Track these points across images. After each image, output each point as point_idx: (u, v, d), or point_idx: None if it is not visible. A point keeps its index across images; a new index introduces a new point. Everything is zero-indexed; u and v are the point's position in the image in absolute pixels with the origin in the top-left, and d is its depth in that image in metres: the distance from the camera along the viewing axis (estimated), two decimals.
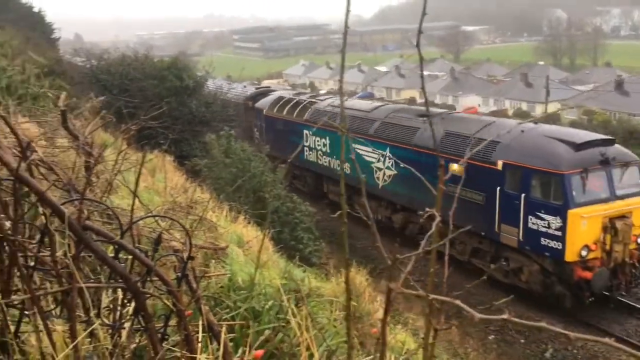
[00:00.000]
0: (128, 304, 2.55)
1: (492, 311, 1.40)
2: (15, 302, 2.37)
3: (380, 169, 19.72)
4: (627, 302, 15.20)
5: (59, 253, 2.33)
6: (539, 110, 60.93)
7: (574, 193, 13.60)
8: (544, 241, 14.04)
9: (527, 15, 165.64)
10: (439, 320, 1.76)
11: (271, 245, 9.69)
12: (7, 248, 2.27)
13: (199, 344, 2.52)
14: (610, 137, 15.41)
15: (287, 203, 14.80)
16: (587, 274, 13.73)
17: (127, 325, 2.49)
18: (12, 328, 2.42)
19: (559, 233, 13.72)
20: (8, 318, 2.38)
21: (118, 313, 2.50)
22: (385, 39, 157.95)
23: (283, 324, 3.85)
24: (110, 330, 2.46)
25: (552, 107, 54.15)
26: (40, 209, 2.38)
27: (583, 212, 13.49)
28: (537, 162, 14.21)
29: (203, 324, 2.61)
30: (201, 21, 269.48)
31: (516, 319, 1.35)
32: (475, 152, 14.04)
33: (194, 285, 2.64)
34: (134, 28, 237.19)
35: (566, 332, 1.28)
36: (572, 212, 13.51)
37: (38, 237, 2.49)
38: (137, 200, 5.81)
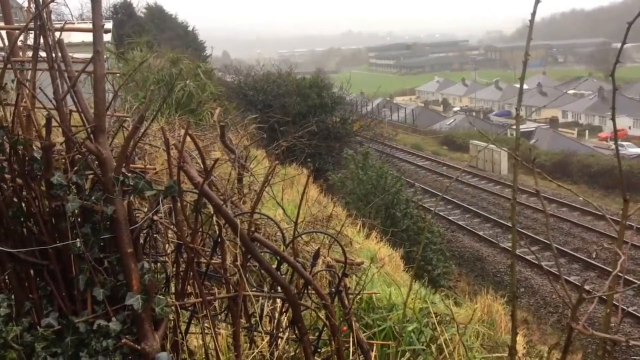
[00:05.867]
0: (285, 314, 2.68)
1: None
2: (188, 305, 2.59)
3: None
4: None
5: (229, 261, 2.52)
6: None
7: None
8: None
9: None
10: None
11: (402, 265, 9.65)
12: (185, 255, 2.49)
13: None
14: None
15: (419, 223, 14.63)
16: None
17: (284, 334, 2.62)
18: (182, 328, 2.64)
19: None
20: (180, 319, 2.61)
21: (276, 322, 2.64)
22: None
23: (424, 347, 3.82)
24: (268, 338, 2.60)
25: None
26: (215, 220, 2.59)
27: None
28: None
29: (353, 340, 2.67)
30: (339, 39, 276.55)
31: None
32: None
33: (346, 302, 2.71)
34: (277, 46, 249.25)
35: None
36: None
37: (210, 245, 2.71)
38: (282, 213, 6.07)
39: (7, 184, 2.32)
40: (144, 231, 2.52)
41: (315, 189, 15.44)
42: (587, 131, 63.51)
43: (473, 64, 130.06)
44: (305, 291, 2.65)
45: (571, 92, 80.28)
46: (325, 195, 14.94)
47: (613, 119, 1.84)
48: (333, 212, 9.32)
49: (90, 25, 2.74)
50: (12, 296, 2.40)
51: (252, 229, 2.47)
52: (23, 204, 2.34)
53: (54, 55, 2.37)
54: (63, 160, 2.34)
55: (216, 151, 8.23)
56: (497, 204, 28.48)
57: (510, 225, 2.20)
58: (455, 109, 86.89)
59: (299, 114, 24.59)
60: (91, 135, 2.36)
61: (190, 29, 44.80)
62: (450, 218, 26.08)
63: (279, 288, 2.57)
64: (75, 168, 2.28)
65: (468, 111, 79.31)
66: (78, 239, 2.36)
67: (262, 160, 14.67)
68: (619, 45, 2.03)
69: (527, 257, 20.23)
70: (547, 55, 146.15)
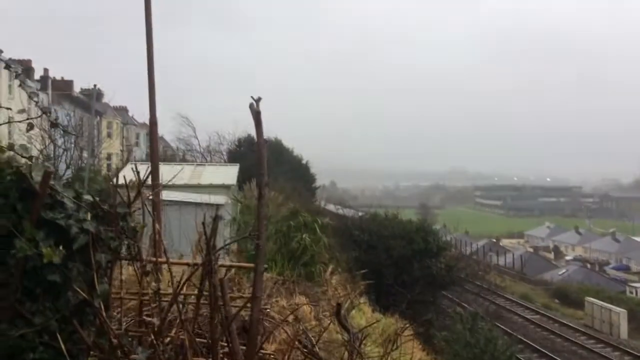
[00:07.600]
0: None
1: None
2: None
3: None
4: None
5: None
6: None
7: None
8: None
9: None
10: None
11: None
12: None
13: None
14: None
15: None
16: None
17: None
18: None
19: None
20: None
21: None
22: None
23: None
24: None
25: None
26: None
27: None
28: None
29: None
30: (445, 175, 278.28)
31: None
32: None
33: None
34: (382, 178, 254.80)
35: None
36: None
37: None
38: None
39: None
40: None
41: (418, 347, 14.74)
42: None
43: (587, 212, 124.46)
44: None
45: None
46: (428, 353, 14.24)
47: None
48: None
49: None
50: None
51: None
52: None
53: (216, 295, 2.53)
54: None
55: (326, 315, 8.18)
56: None
57: None
58: (568, 257, 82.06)
59: (402, 257, 24.35)
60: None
61: (304, 162, 47.09)
62: None
63: None
64: None
65: (582, 261, 74.51)
66: None
67: (365, 309, 14.41)
68: None
69: None
70: None
